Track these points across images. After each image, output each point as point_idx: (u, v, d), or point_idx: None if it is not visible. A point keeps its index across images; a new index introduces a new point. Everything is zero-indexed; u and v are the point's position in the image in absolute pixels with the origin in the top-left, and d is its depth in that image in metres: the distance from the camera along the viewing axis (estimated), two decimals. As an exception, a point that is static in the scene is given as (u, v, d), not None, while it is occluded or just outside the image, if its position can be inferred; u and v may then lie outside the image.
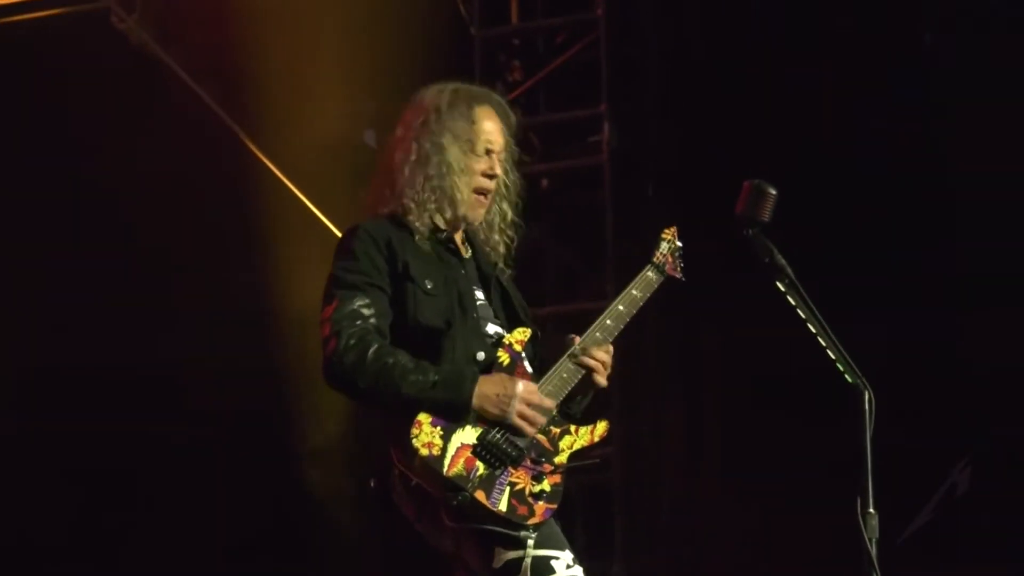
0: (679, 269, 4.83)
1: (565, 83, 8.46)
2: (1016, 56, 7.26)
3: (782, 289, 4.22)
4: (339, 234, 4.68)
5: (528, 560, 4.17)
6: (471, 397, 4.23)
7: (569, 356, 4.47)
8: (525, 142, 8.29)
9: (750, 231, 4.31)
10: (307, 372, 7.31)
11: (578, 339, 4.53)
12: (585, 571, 4.26)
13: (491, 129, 4.67)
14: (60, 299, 8.00)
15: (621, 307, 4.62)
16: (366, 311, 4.33)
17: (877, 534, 3.92)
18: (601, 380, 4.51)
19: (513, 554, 4.19)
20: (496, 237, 4.73)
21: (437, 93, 4.68)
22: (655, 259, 4.77)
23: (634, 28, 8.29)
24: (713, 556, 7.98)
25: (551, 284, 8.24)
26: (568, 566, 4.23)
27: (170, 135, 7.50)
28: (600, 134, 8.24)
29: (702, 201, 7.36)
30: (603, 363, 4.50)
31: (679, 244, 4.85)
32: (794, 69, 7.81)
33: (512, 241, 4.76)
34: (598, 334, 4.55)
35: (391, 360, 4.24)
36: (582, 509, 7.92)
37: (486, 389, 4.26)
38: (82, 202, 7.83)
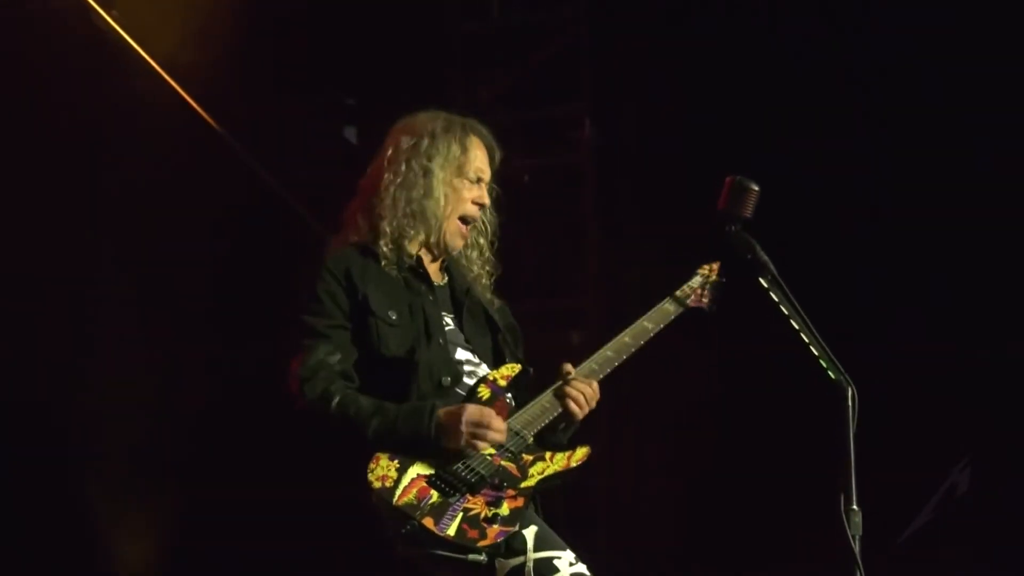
0: (708, 301, 4.81)
1: (546, 79, 8.46)
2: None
3: (764, 286, 4.22)
4: (322, 232, 4.71)
5: (530, 564, 4.20)
6: (431, 428, 4.27)
7: (553, 388, 4.49)
8: (507, 139, 8.41)
9: (732, 227, 4.30)
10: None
11: (572, 369, 4.52)
12: (589, 568, 4.28)
13: (482, 158, 4.72)
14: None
15: (627, 338, 4.63)
16: (331, 359, 4.42)
17: (860, 531, 3.94)
18: (577, 414, 4.50)
19: (514, 561, 4.22)
20: (476, 270, 4.80)
21: (429, 118, 4.73)
22: (679, 292, 4.79)
23: (615, 25, 8.30)
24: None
25: (531, 280, 8.23)
26: (571, 563, 4.24)
27: (150, 135, 7.49)
28: (581, 131, 8.25)
29: (683, 198, 7.35)
30: (584, 395, 4.49)
31: (720, 280, 4.88)
32: (780, 65, 7.81)
33: (492, 275, 4.83)
34: (594, 365, 4.56)
35: (352, 409, 4.33)
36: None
37: (442, 417, 4.29)
38: (60, 196, 7.76)
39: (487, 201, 4.73)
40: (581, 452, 4.42)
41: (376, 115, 4.82)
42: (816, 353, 4.14)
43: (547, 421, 4.44)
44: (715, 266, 4.92)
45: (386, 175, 4.64)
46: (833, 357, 4.12)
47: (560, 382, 4.49)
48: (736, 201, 4.28)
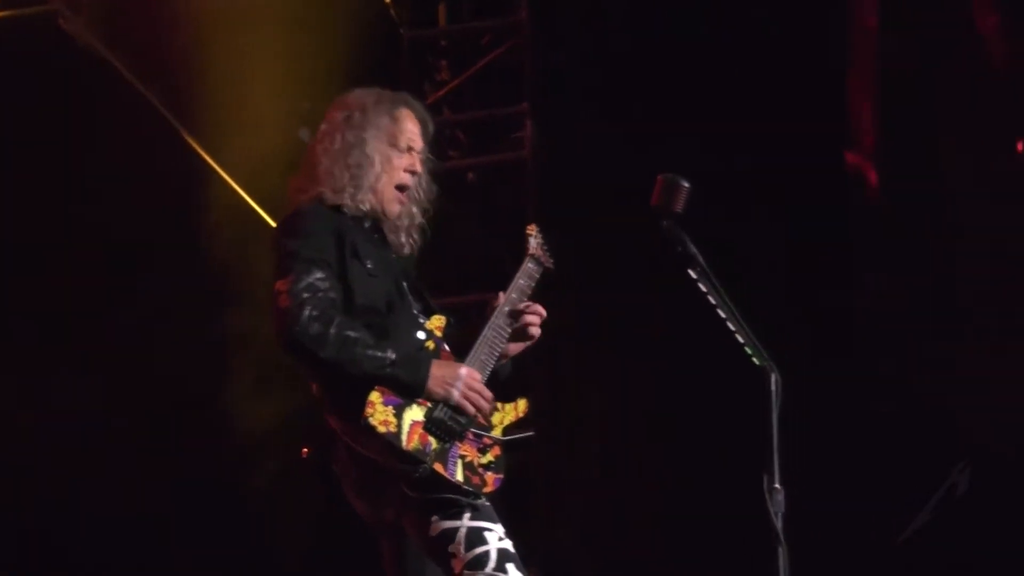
0: (549, 260, 4.94)
1: (490, 82, 8.67)
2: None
3: (694, 276, 4.43)
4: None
5: (463, 530, 4.33)
6: (427, 378, 4.37)
7: (491, 324, 4.63)
8: (452, 138, 8.63)
9: (665, 222, 4.48)
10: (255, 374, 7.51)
11: (502, 296, 4.71)
12: (514, 546, 4.41)
13: (413, 129, 4.78)
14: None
15: (514, 295, 4.75)
16: (322, 284, 4.37)
17: (783, 508, 4.01)
18: (535, 331, 4.70)
19: (449, 524, 4.34)
20: (403, 238, 4.81)
21: (362, 93, 4.81)
22: (531, 252, 4.89)
23: (556, 31, 8.55)
24: (634, 538, 8.23)
25: (475, 272, 8.40)
26: (500, 538, 4.37)
27: (116, 136, 7.61)
28: (523, 130, 8.47)
29: (618, 194, 7.62)
30: (539, 314, 4.70)
31: (542, 239, 4.98)
32: (713, 69, 8.01)
33: (416, 244, 4.85)
34: (507, 308, 4.69)
35: (353, 334, 4.31)
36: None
37: (435, 371, 4.39)
38: (26, 203, 7.88)
39: (419, 169, 4.75)
40: (523, 404, 4.60)
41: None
42: (742, 340, 4.23)
43: (493, 364, 4.55)
44: (533, 226, 5.00)
45: (320, 146, 4.69)
46: (758, 344, 4.21)
47: (496, 315, 4.64)
48: (667, 197, 4.31)
